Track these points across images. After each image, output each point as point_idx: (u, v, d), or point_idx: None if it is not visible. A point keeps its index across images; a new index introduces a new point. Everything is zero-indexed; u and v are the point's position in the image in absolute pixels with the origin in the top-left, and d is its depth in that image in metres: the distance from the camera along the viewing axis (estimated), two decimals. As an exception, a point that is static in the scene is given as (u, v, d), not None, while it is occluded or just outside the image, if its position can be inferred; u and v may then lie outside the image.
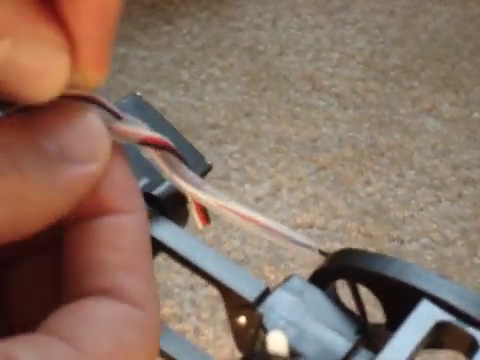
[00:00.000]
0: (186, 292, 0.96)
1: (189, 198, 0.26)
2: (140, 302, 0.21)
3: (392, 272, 0.27)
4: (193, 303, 0.95)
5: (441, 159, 1.14)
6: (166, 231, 0.29)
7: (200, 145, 1.14)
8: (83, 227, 0.22)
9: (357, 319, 0.28)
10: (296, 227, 1.04)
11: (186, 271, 0.97)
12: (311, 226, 1.04)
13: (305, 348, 0.26)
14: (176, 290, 0.96)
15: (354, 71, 1.27)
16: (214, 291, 1.03)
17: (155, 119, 0.35)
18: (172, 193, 0.31)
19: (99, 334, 0.20)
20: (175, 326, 0.93)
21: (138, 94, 0.35)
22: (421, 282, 0.26)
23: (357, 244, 1.01)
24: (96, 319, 0.20)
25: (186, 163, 0.25)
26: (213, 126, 1.17)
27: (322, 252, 0.27)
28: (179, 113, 1.19)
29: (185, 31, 1.34)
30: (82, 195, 0.21)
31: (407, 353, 0.25)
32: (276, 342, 0.26)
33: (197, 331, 0.92)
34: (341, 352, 0.26)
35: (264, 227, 0.26)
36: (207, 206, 0.26)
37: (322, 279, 0.28)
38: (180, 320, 0.93)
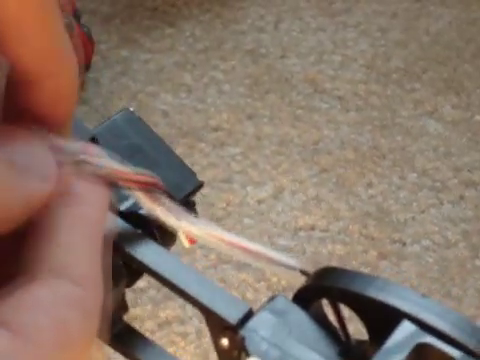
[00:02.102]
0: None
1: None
2: (83, 281, 0.21)
3: (372, 292, 0.26)
4: (195, 305, 0.95)
5: (443, 161, 1.14)
6: (150, 252, 0.29)
7: (202, 147, 1.14)
8: (42, 214, 0.22)
9: (340, 339, 0.28)
10: (298, 229, 1.04)
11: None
12: (313, 228, 1.04)
13: None
14: (178, 292, 0.96)
15: (356, 74, 1.27)
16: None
17: (147, 134, 0.35)
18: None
19: (39, 318, 0.20)
20: (177, 328, 0.93)
21: (130, 109, 0.35)
22: (402, 302, 0.26)
23: (359, 246, 1.02)
24: (36, 302, 0.20)
25: (169, 195, 0.25)
26: (215, 128, 1.18)
27: (304, 272, 0.27)
28: (181, 116, 1.19)
29: (187, 34, 1.34)
30: (32, 211, 0.21)
31: None
32: None
33: (199, 333, 0.92)
34: None
35: (248, 252, 0.27)
36: (191, 235, 0.26)
37: (305, 299, 0.28)
38: (182, 322, 0.94)
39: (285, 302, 0.28)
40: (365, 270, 0.99)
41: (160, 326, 0.93)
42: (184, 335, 0.92)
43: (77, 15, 1.22)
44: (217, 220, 1.04)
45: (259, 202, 1.07)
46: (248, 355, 0.26)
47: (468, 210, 1.08)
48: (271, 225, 1.04)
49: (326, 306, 0.29)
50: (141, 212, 0.31)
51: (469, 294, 0.98)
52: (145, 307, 0.95)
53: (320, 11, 1.39)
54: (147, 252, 0.29)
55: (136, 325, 0.92)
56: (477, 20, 1.37)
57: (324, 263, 1.00)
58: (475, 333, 0.25)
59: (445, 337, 0.25)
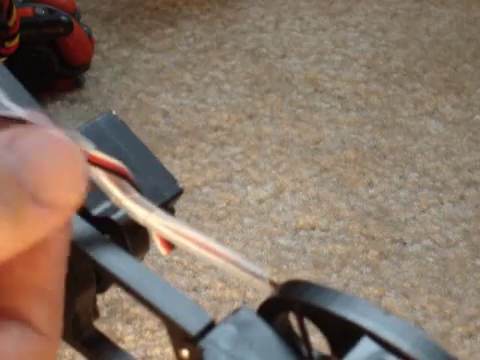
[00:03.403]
0: (189, 293, 0.96)
1: (150, 227, 0.25)
2: (47, 330, 0.20)
3: (335, 307, 0.26)
4: (196, 305, 0.95)
5: (443, 161, 1.14)
6: (116, 259, 0.28)
7: (203, 147, 1.14)
8: None
9: (303, 353, 0.27)
10: (298, 229, 1.04)
11: (189, 273, 0.98)
12: (313, 228, 1.04)
13: None
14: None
15: (356, 73, 1.27)
16: (217, 293, 1.04)
17: (128, 138, 0.34)
18: (130, 219, 0.29)
19: None
20: (178, 328, 0.93)
21: (113, 113, 0.34)
22: (363, 319, 0.26)
23: (359, 246, 1.02)
24: (1, 346, 0.19)
25: (137, 187, 0.24)
26: (216, 128, 1.17)
27: (272, 283, 0.27)
28: (182, 115, 1.19)
29: (188, 33, 1.34)
30: (33, 242, 0.19)
31: None
32: None
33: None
34: None
35: (218, 254, 0.26)
36: (159, 232, 0.25)
37: (271, 311, 0.28)
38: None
39: (249, 314, 0.27)
40: (366, 270, 0.99)
41: (160, 326, 0.93)
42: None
43: (77, 14, 1.22)
44: (217, 220, 1.04)
45: (259, 202, 1.07)
46: None
47: (469, 210, 1.07)
48: (271, 225, 1.04)
49: (292, 319, 0.28)
50: (113, 217, 0.30)
51: (470, 294, 0.97)
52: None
53: (320, 11, 1.39)
54: (113, 258, 0.28)
55: (136, 325, 0.92)
56: (478, 20, 1.37)
57: (325, 263, 1.00)
58: (436, 353, 0.25)
59: (405, 357, 0.25)
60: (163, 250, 0.26)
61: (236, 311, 0.27)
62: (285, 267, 0.99)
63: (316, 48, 1.31)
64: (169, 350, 0.91)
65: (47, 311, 0.20)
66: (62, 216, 0.19)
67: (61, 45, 1.19)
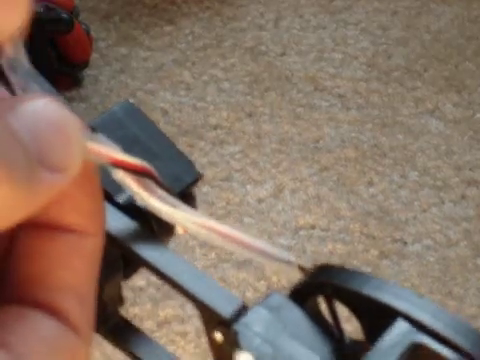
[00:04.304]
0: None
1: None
2: (80, 329, 0.21)
3: (368, 290, 0.26)
4: (195, 305, 0.94)
5: (444, 160, 1.13)
6: (146, 245, 0.29)
7: (202, 146, 1.13)
8: (42, 237, 0.21)
9: (335, 337, 0.27)
10: (298, 228, 1.03)
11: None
12: (313, 227, 1.04)
13: None
14: (178, 292, 0.96)
15: (357, 72, 1.26)
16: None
17: (147, 127, 0.34)
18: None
19: (39, 352, 0.20)
20: (177, 327, 0.92)
21: (130, 101, 0.34)
22: (397, 301, 0.26)
23: (360, 245, 1.01)
24: (39, 336, 0.20)
25: (162, 185, 0.25)
26: (215, 127, 1.17)
27: (301, 268, 0.27)
28: (181, 114, 1.19)
29: (187, 31, 1.33)
30: (44, 204, 0.20)
31: None
32: None
33: (199, 332, 0.92)
34: None
35: (244, 245, 0.26)
36: (185, 227, 0.25)
37: (301, 295, 0.28)
38: (182, 321, 0.93)
39: (280, 298, 0.28)
40: (366, 269, 0.98)
41: (159, 325, 0.93)
42: (183, 334, 0.92)
43: (76, 12, 1.22)
44: (217, 219, 1.03)
45: (259, 201, 1.06)
46: (240, 350, 0.26)
47: (470, 209, 1.07)
48: (271, 224, 1.03)
49: (322, 303, 0.29)
50: (138, 204, 0.31)
51: (470, 293, 0.97)
52: (144, 306, 0.94)
53: (320, 9, 1.38)
54: (144, 245, 0.29)
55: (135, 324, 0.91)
56: (478, 18, 1.37)
57: (324, 262, 0.99)
58: (470, 335, 0.25)
59: (440, 338, 0.25)
60: (180, 229, 0.27)
61: (267, 296, 0.27)
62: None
63: (316, 46, 1.31)
64: (169, 350, 0.91)
65: (82, 312, 0.21)
66: (66, 179, 0.20)
67: (60, 43, 1.19)
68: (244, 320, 0.27)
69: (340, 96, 1.22)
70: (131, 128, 0.34)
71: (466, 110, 1.21)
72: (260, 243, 0.26)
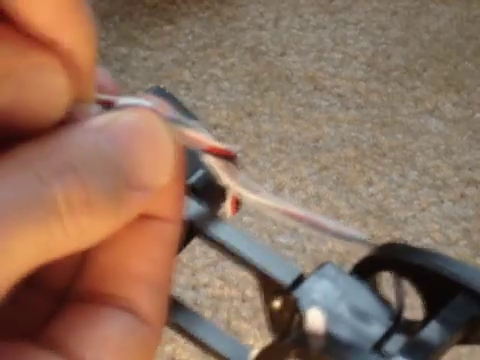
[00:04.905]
0: (188, 292, 0.96)
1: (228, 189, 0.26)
2: (152, 321, 0.20)
3: (434, 265, 0.27)
4: (195, 303, 0.94)
5: (443, 159, 1.13)
6: (201, 216, 0.30)
7: (202, 145, 1.14)
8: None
9: (392, 308, 0.28)
10: (298, 227, 1.04)
11: (188, 271, 0.97)
12: (313, 226, 1.04)
13: (339, 331, 0.26)
14: (177, 290, 0.96)
15: (356, 71, 1.27)
16: (216, 291, 1.04)
17: (180, 110, 0.35)
18: (206, 182, 0.32)
19: (106, 351, 0.19)
20: (176, 326, 0.92)
21: (161, 86, 0.35)
22: (460, 275, 0.27)
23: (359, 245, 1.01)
24: (105, 334, 0.20)
25: (240, 169, 0.25)
26: (215, 126, 1.17)
27: (368, 244, 0.27)
28: (181, 113, 1.19)
29: (187, 31, 1.34)
30: (129, 221, 0.20)
31: (438, 343, 0.25)
32: (314, 320, 0.26)
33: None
34: (375, 336, 0.26)
35: (321, 227, 0.27)
36: (266, 211, 0.26)
37: (365, 270, 0.29)
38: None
39: (334, 269, 0.28)
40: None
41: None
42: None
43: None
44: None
45: (259, 200, 1.07)
46: (301, 316, 0.26)
47: (469, 208, 1.07)
48: (271, 223, 1.03)
49: (381, 281, 0.29)
50: (189, 181, 0.31)
51: (470, 293, 0.97)
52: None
53: (320, 8, 1.38)
54: (199, 216, 0.30)
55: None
56: (477, 18, 1.37)
57: (324, 260, 0.99)
58: None
59: None
60: (231, 211, 0.28)
61: (321, 266, 0.28)
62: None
63: (316, 46, 1.31)
64: (168, 348, 0.91)
65: (156, 302, 0.21)
66: (152, 196, 0.20)
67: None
68: (303, 287, 0.27)
69: (340, 96, 1.22)
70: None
71: (465, 110, 1.21)
72: (335, 224, 0.27)
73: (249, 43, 1.31)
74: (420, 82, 1.25)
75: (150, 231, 0.21)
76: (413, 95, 1.23)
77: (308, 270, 0.94)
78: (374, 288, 0.29)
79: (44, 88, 0.19)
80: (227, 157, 0.24)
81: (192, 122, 0.22)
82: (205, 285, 0.96)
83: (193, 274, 0.97)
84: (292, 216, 0.26)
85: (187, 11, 1.37)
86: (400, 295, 0.28)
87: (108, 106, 0.21)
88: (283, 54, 1.29)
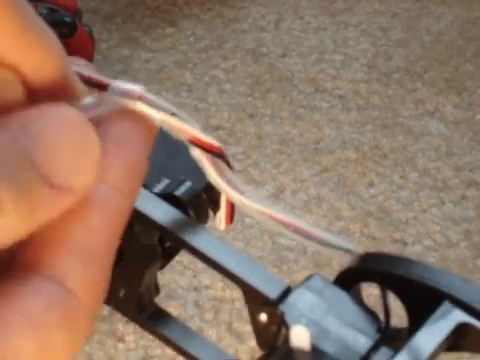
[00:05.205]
0: (189, 293, 0.96)
1: (223, 197, 0.26)
2: (80, 293, 0.19)
3: (415, 274, 0.27)
4: (197, 304, 0.95)
5: (444, 161, 1.14)
6: (187, 229, 0.29)
7: (203, 147, 1.14)
8: None
9: (378, 319, 0.28)
10: (299, 229, 1.04)
11: (189, 273, 0.98)
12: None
13: (326, 346, 0.26)
14: (179, 291, 0.96)
15: (357, 73, 1.27)
16: (217, 292, 1.04)
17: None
18: (193, 194, 0.31)
19: (21, 315, 0.18)
20: (178, 327, 0.93)
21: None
22: (443, 284, 0.27)
23: (360, 246, 1.02)
24: (26, 307, 0.18)
25: (231, 168, 0.25)
26: (216, 128, 1.17)
27: (361, 255, 0.28)
28: (182, 115, 1.19)
29: (188, 33, 1.34)
30: (44, 223, 0.18)
31: (427, 353, 0.25)
32: (299, 337, 0.26)
33: (200, 332, 0.92)
34: (362, 350, 0.26)
35: (307, 234, 0.27)
36: (251, 213, 0.26)
37: (346, 281, 0.29)
38: (184, 321, 0.93)
39: (321, 281, 0.28)
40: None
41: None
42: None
43: (79, 14, 1.22)
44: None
45: (260, 201, 1.07)
46: (287, 329, 0.26)
47: (470, 210, 1.07)
48: (272, 224, 1.04)
49: (364, 290, 0.29)
50: (176, 193, 0.31)
51: (471, 294, 0.97)
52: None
53: (321, 10, 1.38)
54: (185, 229, 0.29)
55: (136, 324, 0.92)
56: (478, 19, 1.37)
57: (325, 263, 1.00)
58: None
59: None
60: (225, 222, 0.27)
61: (308, 278, 0.28)
62: (286, 267, 0.99)
63: (317, 48, 1.31)
64: (169, 351, 0.91)
65: (89, 274, 0.19)
66: (74, 198, 0.19)
67: (62, 44, 1.19)
68: (289, 301, 0.27)
69: (341, 97, 1.23)
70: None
71: (466, 111, 1.21)
72: (322, 233, 0.27)
73: (250, 45, 1.32)
74: (421, 84, 1.25)
75: (91, 195, 0.20)
76: (414, 97, 1.23)
77: (309, 272, 0.94)
78: (358, 298, 0.29)
79: None
80: (214, 152, 0.24)
81: (179, 112, 0.22)
82: (207, 287, 0.96)
83: (195, 276, 0.97)
84: (279, 221, 0.26)
85: (189, 13, 1.38)
86: (387, 308, 0.28)
87: (103, 88, 0.21)
88: (284, 56, 1.30)
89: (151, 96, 0.22)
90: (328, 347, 0.26)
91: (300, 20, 1.37)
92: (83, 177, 0.19)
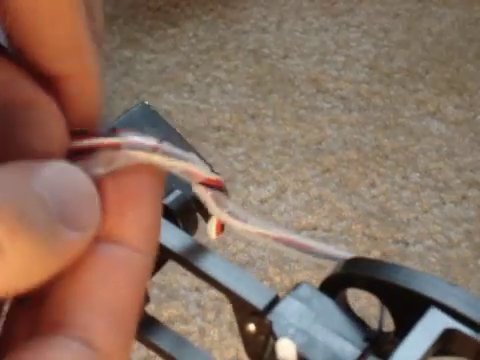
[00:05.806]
0: (191, 293, 0.96)
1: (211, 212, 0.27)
2: (107, 351, 0.19)
3: (400, 280, 0.27)
4: (198, 304, 0.95)
5: (445, 161, 1.14)
6: (175, 238, 0.30)
7: (205, 147, 1.14)
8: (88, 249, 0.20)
9: (366, 327, 0.28)
10: (300, 229, 1.04)
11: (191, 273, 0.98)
12: (315, 228, 1.04)
13: (314, 355, 0.26)
14: (182, 291, 0.96)
15: (359, 74, 1.27)
16: (219, 292, 1.04)
17: (163, 127, 0.35)
18: (182, 203, 0.32)
19: None
20: (180, 327, 0.93)
21: (146, 103, 0.35)
22: (429, 289, 0.27)
23: (362, 246, 1.02)
24: None
25: (229, 197, 0.26)
26: (218, 128, 1.18)
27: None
28: (184, 116, 1.20)
29: (190, 34, 1.34)
30: (65, 264, 0.19)
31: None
32: (285, 350, 0.26)
33: (202, 332, 0.92)
34: (349, 359, 0.26)
35: (313, 252, 0.27)
36: (252, 238, 0.27)
37: (331, 288, 0.29)
38: (185, 321, 0.94)
39: (310, 289, 0.28)
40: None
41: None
42: (187, 334, 0.92)
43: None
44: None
45: (262, 202, 1.07)
46: (275, 339, 0.26)
47: (471, 210, 1.08)
48: (274, 225, 1.04)
49: (350, 296, 0.29)
50: (164, 202, 0.32)
51: (472, 294, 0.98)
52: (148, 307, 0.95)
53: (323, 11, 1.39)
54: (173, 238, 0.29)
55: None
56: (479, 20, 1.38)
57: (326, 263, 1.00)
58: None
59: (473, 324, 0.26)
60: (215, 233, 0.28)
61: (296, 287, 0.28)
62: (287, 267, 0.99)
63: (318, 48, 1.31)
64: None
65: (115, 333, 0.20)
66: (87, 238, 0.20)
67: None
68: (277, 310, 0.27)
69: (342, 98, 1.23)
70: (149, 130, 0.35)
71: (467, 112, 1.21)
72: (323, 246, 0.27)
73: (252, 46, 1.32)
74: (422, 84, 1.26)
75: (115, 258, 0.20)
76: (415, 97, 1.23)
77: (310, 272, 0.94)
78: (344, 303, 0.29)
79: (36, 126, 0.20)
80: (216, 187, 0.25)
81: (189, 155, 0.23)
82: (209, 287, 0.96)
83: (197, 276, 0.98)
84: (280, 241, 0.27)
85: (191, 14, 1.38)
86: (382, 318, 0.28)
87: (116, 148, 0.22)
88: (286, 57, 1.30)
89: (167, 146, 0.23)
90: (316, 357, 0.26)
91: (302, 21, 1.37)
92: (91, 218, 0.20)
